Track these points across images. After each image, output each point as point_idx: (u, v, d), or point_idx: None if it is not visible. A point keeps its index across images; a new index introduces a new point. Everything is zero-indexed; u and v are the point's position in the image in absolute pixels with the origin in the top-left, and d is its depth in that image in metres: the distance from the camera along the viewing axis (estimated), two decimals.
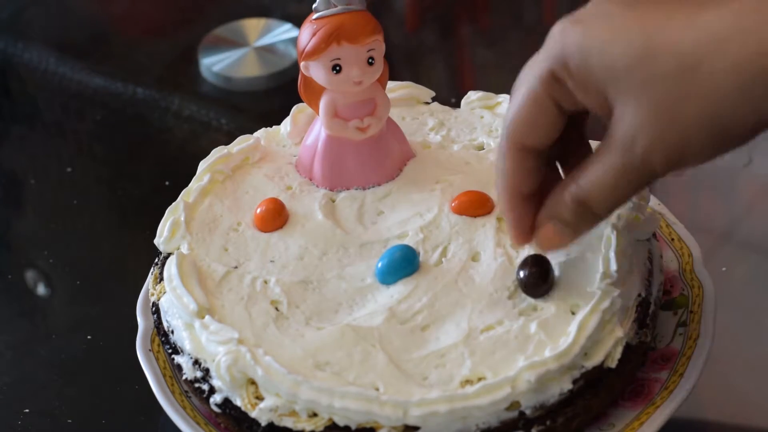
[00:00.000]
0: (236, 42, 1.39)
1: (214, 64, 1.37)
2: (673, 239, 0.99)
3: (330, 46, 0.92)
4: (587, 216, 0.80)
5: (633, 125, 0.74)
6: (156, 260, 0.97)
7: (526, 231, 0.84)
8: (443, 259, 0.92)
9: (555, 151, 0.84)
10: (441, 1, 1.49)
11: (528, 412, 0.84)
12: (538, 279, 0.87)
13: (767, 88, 0.71)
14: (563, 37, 0.76)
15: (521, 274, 0.88)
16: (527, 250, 0.91)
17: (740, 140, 0.74)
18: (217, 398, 0.88)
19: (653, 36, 0.73)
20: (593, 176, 0.78)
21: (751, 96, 0.71)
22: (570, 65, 0.76)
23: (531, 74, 0.78)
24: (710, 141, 0.74)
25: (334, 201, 0.97)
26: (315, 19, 0.93)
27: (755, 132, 0.73)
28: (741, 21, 0.72)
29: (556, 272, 0.89)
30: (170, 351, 0.92)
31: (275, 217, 0.96)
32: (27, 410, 1.01)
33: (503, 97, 1.04)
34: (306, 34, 0.93)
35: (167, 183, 1.22)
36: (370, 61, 0.93)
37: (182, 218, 0.96)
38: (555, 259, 0.90)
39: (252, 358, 0.85)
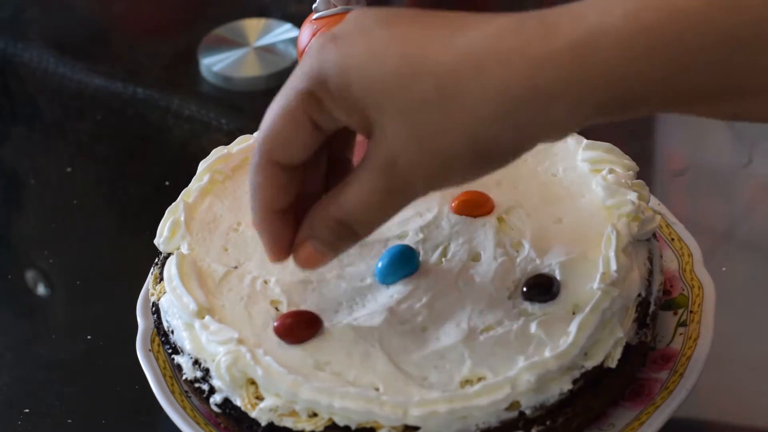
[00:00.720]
0: (236, 42, 1.39)
1: (214, 64, 1.37)
2: (673, 239, 0.99)
3: None
4: (347, 236, 0.78)
5: (392, 149, 0.72)
6: (156, 260, 0.97)
7: (283, 248, 0.81)
8: (443, 259, 0.92)
9: (315, 167, 0.81)
10: (441, 1, 1.49)
11: (528, 412, 0.84)
12: (543, 293, 0.88)
13: (526, 114, 0.69)
14: (321, 55, 0.73)
15: (525, 289, 0.88)
16: (527, 250, 0.91)
17: (504, 161, 0.73)
18: (217, 398, 0.88)
19: (412, 58, 0.71)
20: (355, 197, 0.75)
21: (512, 121, 0.70)
22: (329, 84, 0.73)
23: (288, 90, 0.75)
24: (472, 164, 0.73)
25: None
26: (315, 20, 0.93)
27: (519, 153, 0.72)
28: (499, 44, 0.69)
29: (557, 274, 0.89)
30: (170, 351, 0.92)
31: None
32: (27, 410, 1.01)
33: None
34: (306, 34, 0.93)
35: (167, 183, 1.22)
36: None
37: (182, 218, 0.96)
38: (555, 259, 0.90)
39: (252, 358, 0.85)
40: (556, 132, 0.72)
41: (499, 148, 0.72)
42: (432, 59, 0.70)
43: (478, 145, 0.71)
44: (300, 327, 0.87)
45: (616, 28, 0.68)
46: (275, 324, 0.88)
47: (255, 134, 1.03)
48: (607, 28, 0.68)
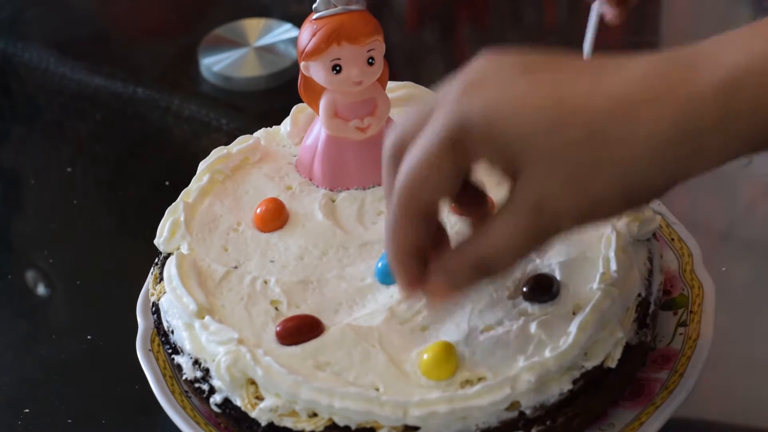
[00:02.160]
0: (236, 42, 1.39)
1: (214, 64, 1.37)
2: (673, 239, 0.99)
3: (330, 47, 0.92)
4: (483, 275, 0.78)
5: (541, 191, 0.73)
6: (156, 260, 0.97)
7: (418, 284, 0.80)
8: None
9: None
10: (441, 1, 1.49)
11: (528, 412, 0.84)
12: (543, 293, 0.88)
13: (677, 154, 0.71)
14: (462, 103, 0.73)
15: (525, 289, 0.88)
16: None
17: (652, 197, 0.75)
18: (217, 398, 0.88)
19: (563, 102, 0.72)
20: (497, 240, 0.75)
21: (663, 161, 0.71)
22: (473, 131, 0.73)
23: (429, 139, 0.75)
24: (621, 202, 0.73)
25: (334, 201, 0.97)
26: (315, 19, 0.93)
27: (666, 190, 0.74)
28: (647, 87, 0.71)
29: (557, 274, 0.89)
30: (170, 351, 0.92)
31: (275, 217, 0.96)
32: (27, 410, 1.01)
33: None
34: (306, 34, 0.93)
35: (167, 183, 1.22)
36: (370, 61, 0.93)
37: (182, 218, 0.96)
38: (555, 259, 0.90)
39: (252, 358, 0.85)
40: (705, 168, 0.74)
41: (649, 189, 0.73)
42: (582, 102, 0.72)
43: (629, 186, 0.72)
44: (302, 332, 0.88)
45: (759, 68, 0.70)
46: (277, 329, 0.88)
47: (255, 134, 1.03)
48: (749, 69, 0.70)
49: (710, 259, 0.98)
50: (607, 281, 0.87)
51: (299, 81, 0.96)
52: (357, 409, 0.83)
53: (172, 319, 0.91)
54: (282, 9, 1.45)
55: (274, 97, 1.34)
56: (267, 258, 0.94)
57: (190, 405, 0.91)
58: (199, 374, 0.89)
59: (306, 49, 0.93)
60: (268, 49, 1.38)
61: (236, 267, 0.93)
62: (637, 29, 1.41)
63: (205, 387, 0.88)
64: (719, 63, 0.71)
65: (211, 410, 0.89)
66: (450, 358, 0.84)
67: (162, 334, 0.93)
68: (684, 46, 0.73)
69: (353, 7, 0.93)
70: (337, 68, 0.93)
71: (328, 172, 0.97)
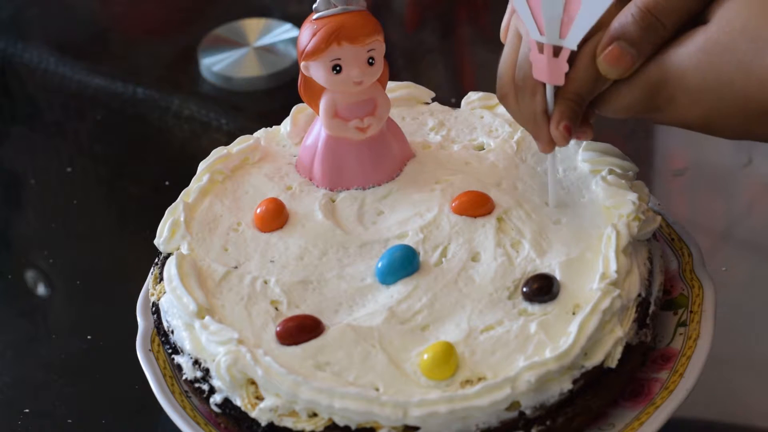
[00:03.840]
0: (236, 42, 1.39)
1: (214, 64, 1.37)
2: (673, 239, 0.99)
3: (330, 47, 0.92)
4: (654, 28, 0.82)
5: None
6: (156, 260, 0.97)
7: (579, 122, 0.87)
8: (443, 259, 0.92)
9: None
10: (441, 1, 1.49)
11: (528, 412, 0.84)
12: (543, 293, 0.88)
13: None
14: None
15: (525, 289, 0.88)
16: (527, 250, 0.91)
17: None
18: (217, 398, 0.88)
19: None
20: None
21: None
22: None
23: None
24: None
25: (334, 201, 0.97)
26: (315, 19, 0.93)
27: None
28: None
29: (557, 274, 0.89)
30: (170, 351, 0.92)
31: (275, 217, 0.96)
32: (27, 410, 1.01)
33: None
34: (306, 34, 0.93)
35: (167, 183, 1.22)
36: (370, 61, 0.93)
37: (182, 218, 0.96)
38: (555, 259, 0.90)
39: (252, 358, 0.85)
40: None
41: None
42: None
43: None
44: (302, 332, 0.88)
45: None
46: (278, 329, 0.88)
47: (255, 134, 1.03)
48: None
49: (710, 259, 0.98)
50: (607, 281, 0.87)
51: (299, 81, 0.96)
52: (357, 409, 0.83)
53: (172, 319, 0.91)
54: (282, 9, 1.45)
55: (274, 97, 1.34)
56: (267, 258, 0.94)
57: (190, 405, 0.92)
58: (199, 374, 0.89)
59: (306, 49, 0.93)
60: (268, 49, 1.38)
61: (236, 267, 0.93)
62: None
63: (205, 387, 0.88)
64: None
65: (211, 410, 0.89)
66: (450, 358, 0.84)
67: (162, 334, 0.93)
68: None
69: (353, 7, 0.93)
70: (337, 68, 0.93)
71: (328, 172, 0.98)
